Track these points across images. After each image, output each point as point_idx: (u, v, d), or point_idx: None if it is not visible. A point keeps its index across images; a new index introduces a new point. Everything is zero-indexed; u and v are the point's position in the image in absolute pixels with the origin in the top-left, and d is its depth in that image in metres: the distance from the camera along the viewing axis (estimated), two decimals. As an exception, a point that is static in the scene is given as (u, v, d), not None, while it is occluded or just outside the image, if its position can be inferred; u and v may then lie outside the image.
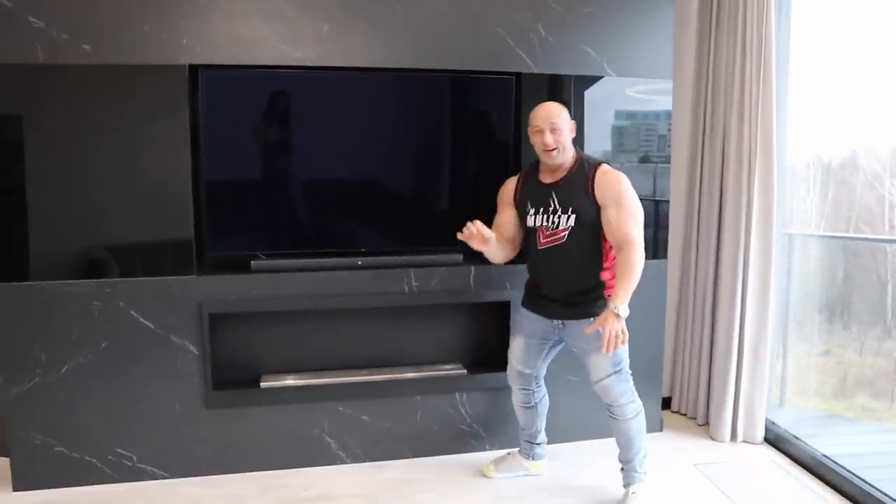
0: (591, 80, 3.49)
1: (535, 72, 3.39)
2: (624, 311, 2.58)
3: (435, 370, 3.47)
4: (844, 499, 3.08)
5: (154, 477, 3.22)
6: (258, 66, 3.14)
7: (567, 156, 2.82)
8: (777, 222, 3.51)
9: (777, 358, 4.01)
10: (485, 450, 3.53)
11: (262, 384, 3.30)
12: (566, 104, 3.40)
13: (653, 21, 3.53)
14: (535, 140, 2.82)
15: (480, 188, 3.44)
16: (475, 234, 2.74)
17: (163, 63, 3.04)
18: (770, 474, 3.32)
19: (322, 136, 3.29)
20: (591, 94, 3.50)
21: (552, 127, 2.75)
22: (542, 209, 2.87)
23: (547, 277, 2.93)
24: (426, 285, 3.36)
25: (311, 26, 3.17)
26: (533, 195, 2.91)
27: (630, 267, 2.63)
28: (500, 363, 3.48)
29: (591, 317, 2.78)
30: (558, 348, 3.09)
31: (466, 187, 3.49)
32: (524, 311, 3.06)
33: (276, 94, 3.21)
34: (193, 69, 3.08)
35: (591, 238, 2.80)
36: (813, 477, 3.29)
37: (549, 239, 2.86)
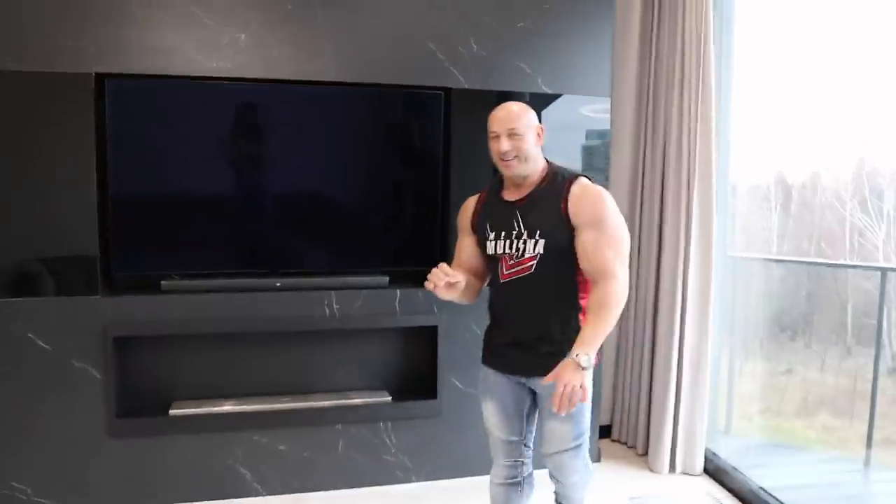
0: (534, 98, 3.36)
1: (466, 87, 3.26)
2: (587, 360, 1.99)
3: (358, 398, 3.29)
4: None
5: (52, 511, 3.01)
6: (171, 75, 2.98)
7: (532, 167, 2.22)
8: (718, 242, 3.39)
9: (724, 383, 3.90)
10: (410, 481, 3.36)
11: (172, 412, 3.11)
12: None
13: (591, 36, 3.42)
14: (491, 148, 2.23)
15: (408, 207, 3.31)
16: (439, 281, 2.16)
17: (69, 71, 2.87)
18: (706, 509, 3.18)
19: (239, 150, 3.13)
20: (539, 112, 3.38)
21: (510, 132, 2.16)
22: (503, 233, 2.25)
23: (510, 318, 2.30)
24: (348, 308, 3.20)
25: (228, 36, 3.02)
26: (494, 216, 2.30)
27: (603, 305, 2.06)
28: (426, 390, 3.35)
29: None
30: (539, 406, 2.36)
31: (395, 207, 3.34)
32: (484, 368, 2.41)
33: (190, 106, 3.05)
34: (100, 78, 2.91)
35: (565, 269, 2.19)
36: (750, 511, 3.15)
37: (512, 270, 2.23)
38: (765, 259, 4.81)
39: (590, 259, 2.12)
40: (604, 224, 2.13)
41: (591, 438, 2.32)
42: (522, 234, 2.21)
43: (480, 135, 3.29)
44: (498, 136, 2.19)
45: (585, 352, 1.99)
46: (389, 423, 3.31)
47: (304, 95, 3.13)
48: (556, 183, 2.21)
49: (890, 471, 3.85)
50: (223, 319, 3.09)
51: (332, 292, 3.18)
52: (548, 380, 2.02)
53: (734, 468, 3.40)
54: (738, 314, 4.01)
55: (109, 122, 2.95)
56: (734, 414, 4.29)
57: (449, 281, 2.17)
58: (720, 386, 3.81)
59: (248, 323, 3.11)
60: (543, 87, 3.36)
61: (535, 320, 2.23)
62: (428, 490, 3.30)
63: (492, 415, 2.38)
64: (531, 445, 2.41)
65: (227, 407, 3.16)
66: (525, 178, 2.23)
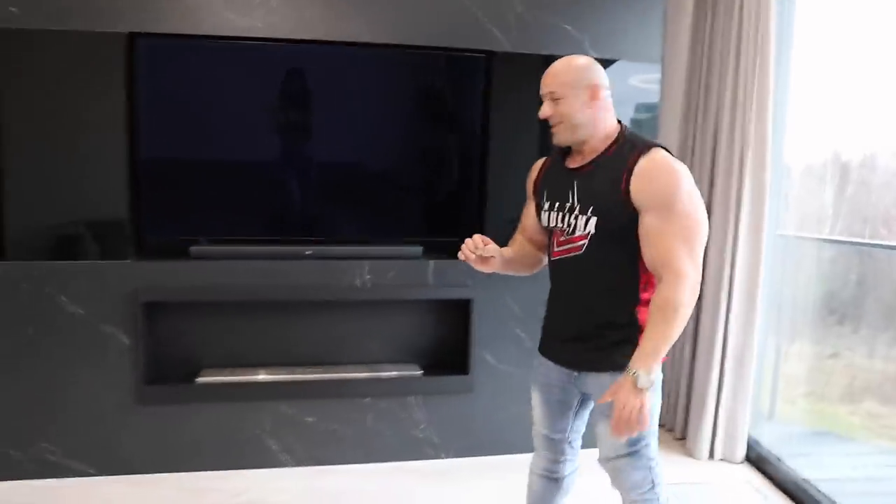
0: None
1: (509, 50, 3.11)
2: (645, 379, 1.75)
3: (387, 370, 3.22)
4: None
5: (80, 474, 3.00)
6: (202, 35, 2.89)
7: (587, 132, 1.90)
8: (769, 222, 3.21)
9: (770, 367, 3.74)
10: (439, 458, 3.28)
11: (199, 380, 3.07)
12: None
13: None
14: None
15: (445, 175, 3.19)
16: (471, 252, 2.02)
17: (98, 30, 2.79)
18: (745, 499, 3.04)
19: (274, 114, 3.03)
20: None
21: (551, 94, 1.89)
22: (557, 204, 1.99)
23: (559, 303, 2.07)
24: (380, 279, 3.11)
25: (260, -7, 2.90)
26: (552, 183, 2.04)
27: (667, 310, 1.77)
28: (458, 365, 3.26)
29: (614, 370, 1.87)
30: (592, 404, 2.11)
31: (431, 175, 3.23)
32: (538, 356, 2.20)
33: (221, 67, 2.95)
34: (131, 37, 2.83)
35: (623, 254, 1.88)
36: (791, 502, 3.01)
37: (563, 248, 1.98)
38: (817, 239, 4.59)
39: (652, 249, 1.81)
40: (673, 209, 1.79)
41: (654, 445, 2.00)
42: (575, 208, 1.93)
43: (522, 100, 3.21)
44: (543, 99, 1.93)
45: (645, 368, 1.76)
46: (419, 398, 3.23)
47: (337, 57, 3.02)
48: (624, 152, 1.87)
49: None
50: (252, 287, 3.02)
51: (365, 262, 3.09)
52: (602, 400, 1.84)
53: (777, 458, 3.26)
54: (786, 295, 3.83)
55: (141, 83, 2.87)
56: (778, 398, 4.13)
57: (481, 255, 2.01)
58: (765, 368, 3.65)
59: (277, 291, 3.04)
60: (591, 52, 3.18)
61: (584, 308, 1.97)
62: (457, 467, 3.23)
63: (536, 405, 2.20)
64: (576, 445, 2.21)
65: (256, 376, 3.11)
66: (583, 144, 1.93)
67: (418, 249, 3.16)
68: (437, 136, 3.21)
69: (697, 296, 1.82)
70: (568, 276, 2.00)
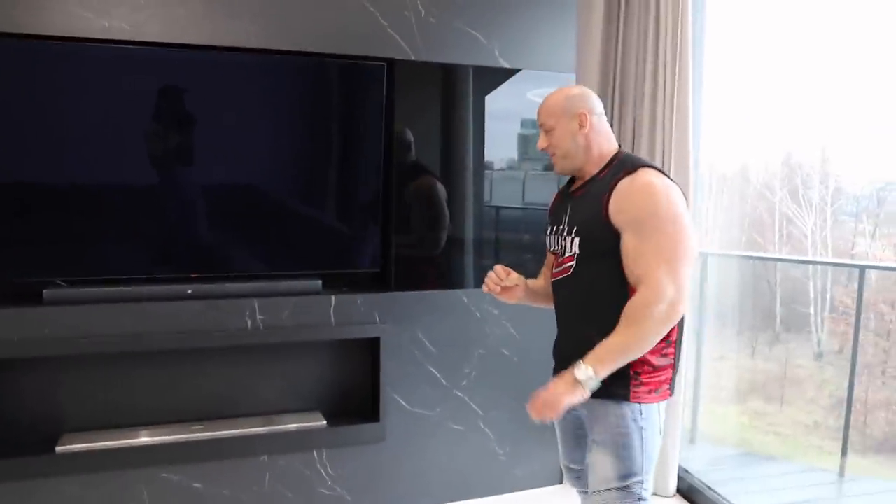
0: (489, 73, 2.93)
1: (412, 58, 2.79)
2: (584, 373, 1.75)
3: (287, 422, 2.80)
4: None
5: None
6: (49, 36, 2.41)
7: (582, 159, 1.96)
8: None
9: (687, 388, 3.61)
10: (350, 517, 2.90)
11: (59, 448, 2.55)
12: (454, 101, 2.87)
13: (553, 5, 3.03)
14: None
15: (345, 199, 2.84)
16: (494, 284, 2.06)
17: (-86, 28, 2.27)
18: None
19: (144, 130, 2.58)
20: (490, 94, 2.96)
21: (542, 125, 1.98)
22: (555, 228, 2.06)
23: (559, 325, 2.08)
24: (275, 319, 2.70)
25: (123, -12, 2.46)
26: (556, 210, 2.11)
27: (629, 317, 1.78)
28: (367, 411, 2.92)
29: (611, 399, 1.86)
30: None
31: (329, 197, 2.86)
32: None
33: (78, 74, 2.48)
34: (-42, 37, 2.32)
35: (609, 275, 1.86)
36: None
37: (558, 269, 2.00)
38: (736, 256, 4.59)
39: (633, 267, 1.81)
40: (649, 228, 1.79)
41: (648, 486, 1.90)
42: (564, 230, 1.99)
43: (427, 112, 2.91)
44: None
45: (590, 365, 1.76)
46: (325, 451, 2.85)
47: (218, 65, 2.61)
48: (612, 174, 1.90)
49: (863, 481, 3.66)
50: (122, 336, 2.55)
51: (255, 300, 2.68)
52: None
53: (708, 486, 3.08)
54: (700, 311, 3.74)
55: (-27, 93, 2.35)
56: (698, 417, 4.04)
57: (505, 285, 2.05)
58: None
59: (153, 339, 2.58)
60: (501, 60, 2.93)
61: (576, 331, 1.97)
62: (370, 526, 2.86)
63: (557, 434, 2.20)
64: None
65: (129, 440, 2.63)
66: (580, 170, 1.99)
67: (317, 283, 2.78)
68: (335, 154, 2.85)
69: (675, 317, 1.78)
70: (563, 298, 2.02)
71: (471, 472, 3.05)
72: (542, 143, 1.99)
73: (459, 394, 2.99)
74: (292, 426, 2.79)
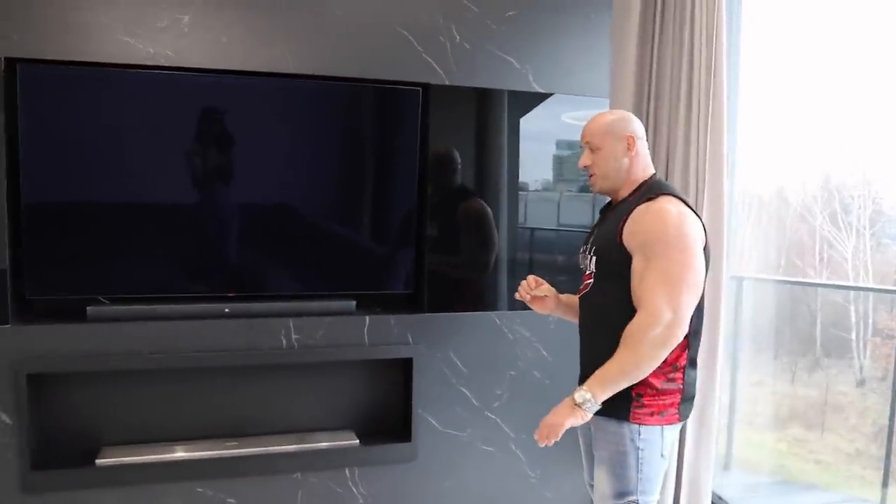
0: (523, 97, 2.96)
1: (447, 83, 2.84)
2: (582, 397, 1.82)
3: (319, 441, 2.84)
4: None
5: (-51, 584, 2.51)
6: (97, 63, 2.50)
7: (619, 181, 2.03)
8: (727, 262, 3.01)
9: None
10: (381, 536, 2.92)
11: (99, 461, 2.62)
12: (488, 124, 2.90)
13: (587, 30, 3.05)
14: None
15: (379, 220, 2.88)
16: (525, 292, 2.20)
17: (-30, 54, 2.38)
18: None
19: (180, 151, 2.65)
20: (525, 116, 2.99)
21: (588, 144, 2.04)
22: (584, 247, 2.14)
23: (580, 341, 2.14)
24: (309, 338, 2.75)
25: (167, 16, 2.55)
26: (593, 228, 2.22)
27: (627, 339, 1.82)
28: (399, 431, 2.93)
29: (612, 417, 1.94)
30: None
31: (364, 220, 2.91)
32: None
33: (122, 98, 2.56)
34: (11, 63, 2.42)
35: (620, 296, 1.91)
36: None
37: (582, 285, 2.10)
38: (764, 279, 4.54)
39: (634, 289, 1.88)
40: (655, 250, 1.85)
41: (577, 475, 2.10)
42: (588, 249, 2.09)
43: (462, 136, 2.94)
44: (582, 149, 2.07)
45: (589, 387, 1.84)
46: (357, 470, 2.88)
47: (258, 89, 2.68)
48: (635, 199, 1.98)
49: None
50: (161, 352, 2.62)
51: (290, 319, 2.73)
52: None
53: (742, 513, 3.04)
54: (736, 336, 3.71)
55: (22, 117, 2.44)
56: (734, 444, 3.99)
57: (535, 294, 2.16)
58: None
59: (191, 356, 2.64)
60: (534, 85, 2.96)
61: (590, 347, 2.06)
62: (401, 546, 2.87)
63: (581, 451, 2.30)
64: None
65: (166, 454, 2.69)
66: (616, 192, 2.06)
67: (351, 304, 2.83)
68: (370, 177, 2.91)
69: (672, 340, 1.83)
70: (584, 313, 2.10)
71: (501, 493, 3.05)
72: (585, 160, 2.04)
73: (491, 415, 3.00)
74: (325, 444, 2.83)
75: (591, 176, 2.05)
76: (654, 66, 3.15)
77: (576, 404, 1.84)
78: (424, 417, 2.92)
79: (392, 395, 2.99)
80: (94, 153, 2.57)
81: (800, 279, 4.15)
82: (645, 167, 2.03)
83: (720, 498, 3.17)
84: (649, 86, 3.18)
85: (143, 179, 2.64)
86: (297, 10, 2.67)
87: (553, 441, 1.88)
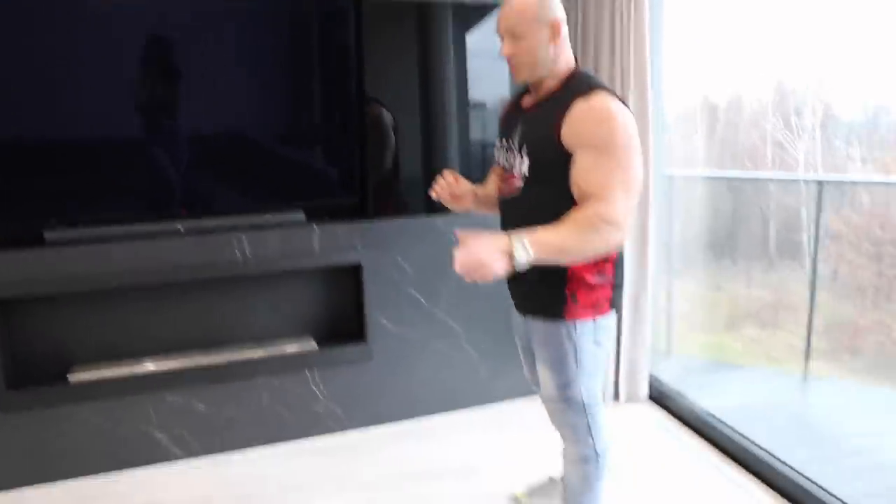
0: (467, 11, 3.05)
1: (378, -3, 2.93)
2: (522, 251, 1.63)
3: (279, 346, 3.02)
4: (725, 456, 2.87)
5: (-60, 497, 2.69)
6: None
7: (545, 71, 1.86)
8: (655, 163, 3.19)
9: (662, 305, 3.80)
10: (344, 430, 3.13)
11: (71, 377, 2.78)
12: (430, 39, 2.98)
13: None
14: None
15: (322, 133, 3.00)
16: (442, 189, 2.08)
17: None
18: (653, 435, 3.06)
19: (129, 76, 2.73)
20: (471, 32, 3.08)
21: (510, 30, 1.82)
22: (505, 142, 1.98)
23: None
24: (262, 250, 2.90)
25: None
26: (506, 122, 2.03)
27: (579, 222, 1.70)
28: (354, 333, 3.12)
29: (548, 317, 1.93)
30: None
31: (305, 132, 3.02)
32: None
33: (69, 23, 2.61)
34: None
35: (556, 198, 1.80)
36: (696, 435, 3.06)
37: (506, 187, 1.97)
38: (703, 177, 4.72)
39: (578, 185, 1.75)
40: (602, 151, 1.72)
41: (592, 393, 2.00)
42: (514, 148, 1.91)
43: (397, 44, 3.04)
44: (502, 38, 1.86)
45: (530, 243, 1.64)
46: (316, 372, 3.06)
47: (200, 10, 2.74)
48: (567, 95, 1.80)
49: (826, 382, 3.85)
50: (121, 272, 2.75)
51: (243, 233, 2.87)
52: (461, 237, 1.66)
53: (679, 393, 3.29)
54: (672, 233, 3.90)
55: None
56: (673, 335, 4.23)
57: (453, 192, 2.06)
58: (658, 307, 3.69)
59: (150, 274, 2.78)
60: (464, -5, 3.05)
61: None
62: (363, 439, 3.09)
63: (518, 350, 2.33)
64: None
65: (134, 368, 2.85)
66: (540, 82, 1.89)
67: (300, 215, 2.97)
68: (309, 93, 3.00)
69: (619, 245, 1.79)
70: (509, 216, 1.98)
71: (454, 387, 3.26)
72: (507, 49, 1.85)
73: (440, 314, 3.19)
74: (286, 350, 3.01)
75: (513, 65, 1.87)
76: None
77: (510, 257, 1.64)
78: (377, 319, 3.10)
79: (345, 300, 3.16)
80: (44, 82, 2.62)
81: (726, 174, 4.30)
82: (569, 55, 1.88)
83: (658, 380, 3.41)
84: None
85: (92, 107, 2.70)
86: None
87: (475, 281, 1.77)
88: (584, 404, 2.01)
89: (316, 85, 2.98)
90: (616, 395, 3.37)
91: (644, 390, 3.36)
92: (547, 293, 1.90)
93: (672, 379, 3.44)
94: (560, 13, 1.83)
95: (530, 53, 1.83)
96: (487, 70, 3.18)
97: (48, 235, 2.68)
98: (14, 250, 2.65)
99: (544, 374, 2.03)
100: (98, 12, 2.62)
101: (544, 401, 2.10)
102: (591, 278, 1.87)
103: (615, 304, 1.96)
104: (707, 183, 4.96)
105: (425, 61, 3.08)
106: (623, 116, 1.75)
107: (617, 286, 1.95)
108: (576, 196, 1.77)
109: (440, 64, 3.11)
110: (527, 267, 1.68)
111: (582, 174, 1.74)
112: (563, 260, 1.75)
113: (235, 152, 2.90)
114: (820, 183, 3.85)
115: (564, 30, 1.84)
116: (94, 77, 2.67)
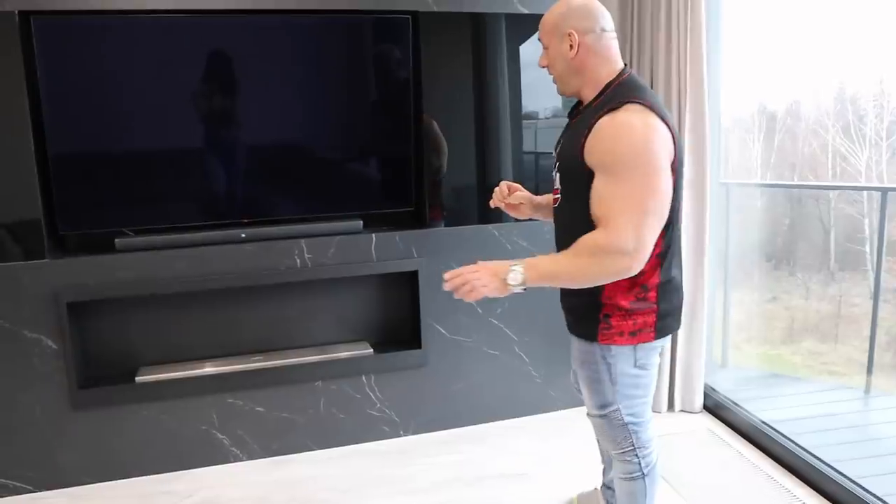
0: (521, 22, 3.08)
1: (434, 9, 2.98)
2: (515, 276, 1.68)
3: (337, 351, 3.09)
4: (781, 467, 2.82)
5: (15, 491, 2.81)
6: (105, 10, 2.67)
7: (577, 83, 1.85)
8: (712, 171, 3.17)
9: (718, 314, 3.76)
10: (398, 436, 3.18)
11: (138, 378, 2.89)
12: (483, 51, 3.02)
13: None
14: None
15: (379, 144, 3.06)
16: (498, 198, 2.13)
17: (-17, 10, 2.55)
18: (707, 446, 3.04)
19: (192, 92, 2.84)
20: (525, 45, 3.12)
21: (542, 42, 1.87)
22: (553, 154, 2.00)
23: (556, 248, 2.00)
24: (321, 257, 2.97)
25: (167, -38, 2.70)
26: (561, 133, 2.00)
27: (581, 250, 1.70)
28: (410, 339, 3.17)
29: (582, 338, 1.91)
30: None
31: (365, 145, 3.08)
32: None
33: (133, 45, 2.73)
34: (25, 16, 2.60)
35: (584, 215, 1.76)
36: (752, 446, 3.02)
37: (554, 197, 1.97)
38: (760, 186, 4.66)
39: (592, 208, 1.73)
40: (617, 172, 1.67)
41: (635, 410, 1.97)
42: (554, 161, 1.95)
43: (453, 60, 3.08)
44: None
45: (525, 272, 1.68)
46: (372, 377, 3.12)
47: (258, 27, 2.84)
48: (599, 108, 1.76)
49: (889, 397, 3.76)
50: (185, 277, 2.85)
51: (303, 241, 2.95)
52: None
53: (734, 403, 3.25)
54: (729, 243, 3.86)
55: (41, 69, 2.63)
56: (729, 345, 4.18)
57: (508, 201, 2.11)
58: (714, 317, 3.65)
59: (213, 279, 2.87)
60: (520, 7, 3.08)
61: None
62: (417, 444, 3.13)
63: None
64: None
65: (198, 370, 2.95)
66: (579, 94, 1.88)
67: (358, 223, 3.03)
68: (368, 105, 3.07)
69: (628, 273, 1.71)
70: (556, 227, 1.99)
71: (507, 393, 3.28)
72: (541, 60, 1.89)
73: (494, 321, 3.22)
74: (342, 354, 3.07)
75: (552, 76, 1.90)
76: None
77: (504, 282, 1.70)
78: (432, 326, 3.15)
79: (401, 306, 3.22)
80: (112, 100, 2.75)
81: (783, 182, 4.23)
82: (607, 63, 1.81)
83: (714, 390, 3.37)
84: (632, 12, 3.29)
85: (157, 122, 2.82)
86: (288, -52, 2.81)
87: (466, 300, 1.76)
88: (625, 423, 1.97)
89: (373, 96, 3.05)
90: (671, 405, 3.35)
91: (699, 400, 3.33)
92: (583, 315, 1.89)
93: (728, 389, 3.40)
94: (580, 24, 1.78)
95: (553, 65, 1.86)
96: (542, 80, 3.20)
97: (118, 242, 2.80)
98: (87, 255, 2.77)
99: (584, 391, 2.03)
100: (164, 30, 2.73)
101: (588, 416, 2.08)
102: (628, 304, 1.82)
103: (663, 331, 1.88)
104: (764, 192, 4.89)
105: (480, 72, 3.12)
106: (644, 131, 1.68)
107: (663, 313, 1.87)
108: (593, 219, 1.74)
109: (494, 74, 3.14)
110: (521, 289, 1.71)
111: (595, 197, 1.73)
112: (569, 285, 1.81)
113: (296, 163, 2.99)
114: (884, 192, 3.73)
115: (588, 40, 1.78)
116: (160, 91, 2.78)
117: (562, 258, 1.74)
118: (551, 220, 2.08)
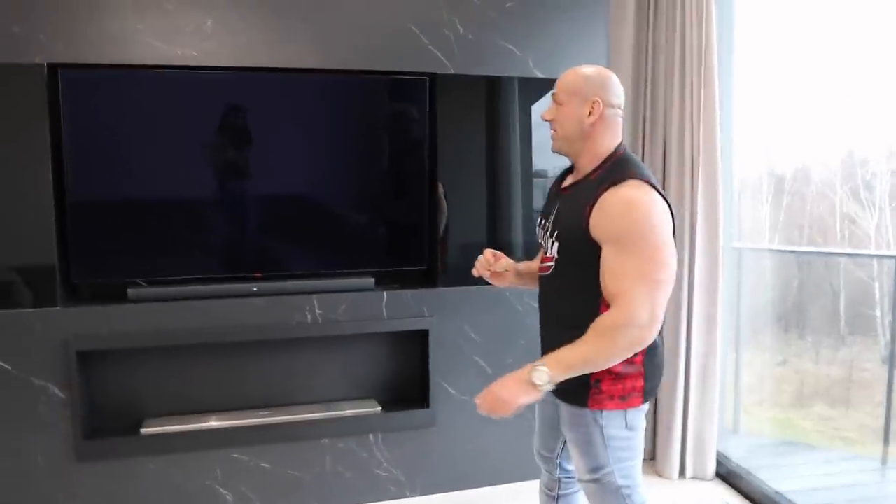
0: (532, 84, 3.14)
1: (452, 72, 3.03)
2: (541, 377, 1.70)
3: (344, 409, 3.06)
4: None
5: (14, 544, 2.76)
6: (130, 65, 2.73)
7: (578, 147, 1.86)
8: (724, 236, 3.17)
9: (730, 379, 3.72)
10: (404, 497, 3.13)
11: (144, 430, 2.86)
12: (497, 110, 3.04)
13: (584, 17, 3.21)
14: None
15: (393, 202, 3.08)
16: (482, 267, 2.10)
17: (15, 62, 2.61)
18: (721, 517, 2.98)
19: (209, 145, 2.88)
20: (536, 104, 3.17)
21: (556, 97, 1.86)
22: (543, 221, 2.00)
23: (540, 321, 2.05)
24: (332, 313, 2.97)
25: (192, 20, 2.77)
26: (548, 200, 2.05)
27: (598, 330, 1.72)
28: (418, 399, 3.14)
29: (575, 404, 1.89)
30: None
31: (379, 203, 3.11)
32: None
33: (154, 98, 2.79)
34: (53, 69, 2.66)
35: (584, 283, 1.80)
36: (767, 518, 2.95)
37: (542, 265, 1.97)
38: (770, 250, 4.66)
39: (605, 283, 1.74)
40: (626, 246, 1.71)
41: (628, 473, 1.92)
42: (548, 229, 1.93)
43: (469, 122, 3.13)
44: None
45: (549, 369, 1.71)
46: (380, 436, 3.08)
47: (277, 84, 2.89)
48: (600, 181, 1.79)
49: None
50: (196, 329, 2.85)
51: (314, 296, 2.95)
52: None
53: (748, 471, 3.20)
54: (739, 306, 3.84)
55: (65, 119, 2.69)
56: (741, 410, 4.13)
57: (493, 270, 2.08)
58: (726, 382, 3.62)
59: (223, 332, 2.87)
60: (535, 71, 3.13)
61: (552, 331, 1.95)
62: (423, 505, 3.08)
63: (536, 420, 2.23)
64: (569, 467, 2.17)
65: (203, 423, 2.92)
66: (576, 159, 1.90)
67: (370, 281, 3.03)
68: (384, 163, 3.11)
69: (646, 342, 1.73)
70: (544, 294, 2.00)
71: (518, 457, 3.22)
72: (548, 114, 1.88)
73: (504, 382, 3.18)
74: (350, 412, 3.04)
75: (553, 131, 1.90)
76: (650, 50, 3.32)
77: (533, 384, 1.72)
78: (442, 385, 3.12)
79: (411, 365, 3.20)
80: (131, 150, 2.80)
81: (793, 248, 4.22)
82: (611, 137, 1.86)
83: (726, 457, 3.32)
84: (646, 69, 3.35)
85: (174, 174, 2.86)
86: (312, 10, 2.88)
87: (501, 416, 1.78)
88: (618, 486, 1.92)
89: (389, 155, 3.09)
90: (682, 472, 3.29)
91: (712, 467, 3.27)
92: (580, 383, 1.83)
93: (740, 456, 3.35)
94: (605, 95, 1.81)
95: (563, 124, 1.85)
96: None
97: (131, 292, 2.80)
98: (99, 305, 2.77)
99: (575, 456, 1.97)
100: (185, 84, 2.79)
101: (578, 481, 2.02)
102: (617, 367, 1.81)
103: (650, 393, 1.90)
104: (774, 255, 4.88)
105: (493, 131, 3.16)
106: (649, 206, 1.73)
107: (649, 376, 1.88)
108: (604, 292, 1.76)
109: (506, 134, 3.18)
110: (553, 386, 1.72)
111: (607, 274, 1.74)
112: (592, 370, 1.77)
113: (310, 219, 3.02)
114: (896, 259, 3.73)
115: (608, 112, 1.82)
116: (179, 143, 2.83)
117: (583, 346, 1.73)
118: (534, 287, 2.08)
